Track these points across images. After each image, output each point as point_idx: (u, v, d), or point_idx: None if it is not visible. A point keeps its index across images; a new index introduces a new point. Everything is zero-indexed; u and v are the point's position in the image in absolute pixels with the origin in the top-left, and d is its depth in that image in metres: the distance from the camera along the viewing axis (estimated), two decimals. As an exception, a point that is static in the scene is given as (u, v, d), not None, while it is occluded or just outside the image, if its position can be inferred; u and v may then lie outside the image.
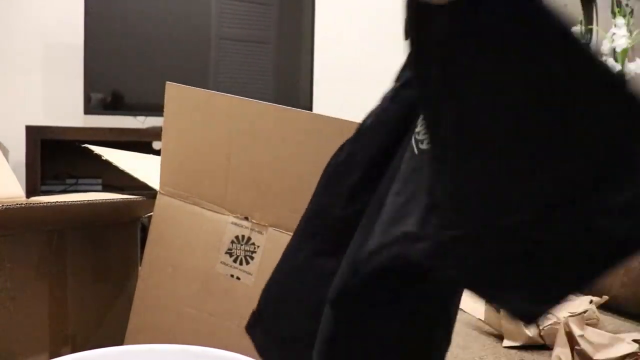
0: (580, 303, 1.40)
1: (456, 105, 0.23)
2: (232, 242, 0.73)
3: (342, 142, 0.67)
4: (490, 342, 1.28)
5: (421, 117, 0.31)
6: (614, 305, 1.63)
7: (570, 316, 1.17)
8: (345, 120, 0.67)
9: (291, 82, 2.61)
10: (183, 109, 0.76)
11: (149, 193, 0.84)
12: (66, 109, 2.39)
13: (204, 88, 0.75)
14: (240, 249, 0.73)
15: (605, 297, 1.47)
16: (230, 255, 0.73)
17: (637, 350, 1.11)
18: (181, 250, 0.76)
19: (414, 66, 0.27)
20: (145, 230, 0.91)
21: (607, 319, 1.53)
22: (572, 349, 1.14)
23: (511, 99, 0.21)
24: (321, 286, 0.36)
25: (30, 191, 1.99)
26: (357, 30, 3.03)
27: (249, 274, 0.72)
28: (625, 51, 3.67)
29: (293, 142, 0.69)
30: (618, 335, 1.16)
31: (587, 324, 1.37)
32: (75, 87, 2.39)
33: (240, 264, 0.72)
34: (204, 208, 0.75)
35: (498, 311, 1.30)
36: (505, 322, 1.28)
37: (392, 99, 0.40)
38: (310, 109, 2.58)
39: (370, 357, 0.34)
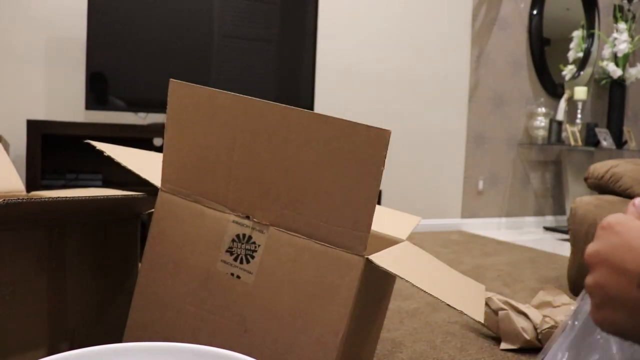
0: (578, 307, 1.40)
1: None
2: (233, 240, 0.73)
3: (342, 142, 0.67)
4: (487, 344, 1.29)
5: None
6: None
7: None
8: (346, 120, 0.67)
9: (293, 81, 2.61)
10: (186, 106, 0.76)
11: (149, 190, 0.84)
12: (67, 103, 2.39)
13: (205, 85, 0.75)
14: (241, 247, 0.73)
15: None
16: (231, 253, 0.73)
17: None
18: (182, 248, 0.76)
19: None
20: (145, 227, 0.91)
21: (605, 324, 1.53)
22: (569, 353, 1.14)
23: None
24: None
25: (31, 185, 1.99)
26: (359, 30, 3.03)
27: (249, 272, 0.72)
28: (626, 56, 3.67)
29: (295, 142, 0.69)
30: (615, 340, 1.17)
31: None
32: (77, 82, 2.39)
33: (241, 262, 0.72)
34: (205, 206, 0.75)
35: (496, 314, 1.30)
36: (503, 326, 1.28)
37: None
38: (312, 107, 2.58)
39: None
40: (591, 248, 0.42)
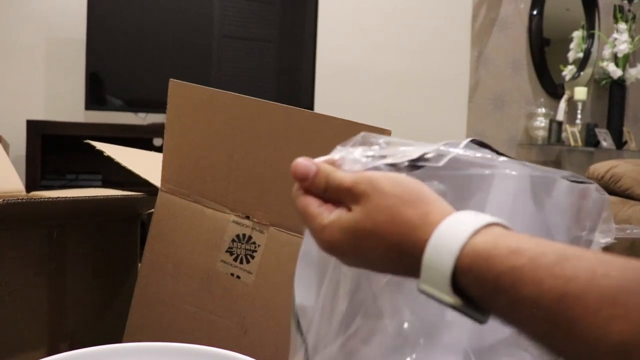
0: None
1: None
2: (233, 240, 0.73)
3: (342, 141, 0.67)
4: (487, 344, 1.28)
5: None
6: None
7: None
8: (346, 120, 0.67)
9: (293, 81, 2.61)
10: (186, 106, 0.76)
11: (149, 190, 0.84)
12: (67, 104, 2.39)
13: (205, 85, 0.75)
14: (241, 247, 0.73)
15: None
16: (231, 253, 0.73)
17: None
18: (182, 248, 0.76)
19: None
20: (145, 227, 0.91)
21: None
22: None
23: None
24: None
25: (30, 186, 1.99)
26: (359, 29, 3.03)
27: (249, 272, 0.72)
28: (626, 56, 3.67)
29: (295, 141, 0.69)
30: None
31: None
32: (76, 82, 2.38)
33: (241, 262, 0.72)
34: (205, 206, 0.75)
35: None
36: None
37: None
38: (312, 107, 2.58)
39: None
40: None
